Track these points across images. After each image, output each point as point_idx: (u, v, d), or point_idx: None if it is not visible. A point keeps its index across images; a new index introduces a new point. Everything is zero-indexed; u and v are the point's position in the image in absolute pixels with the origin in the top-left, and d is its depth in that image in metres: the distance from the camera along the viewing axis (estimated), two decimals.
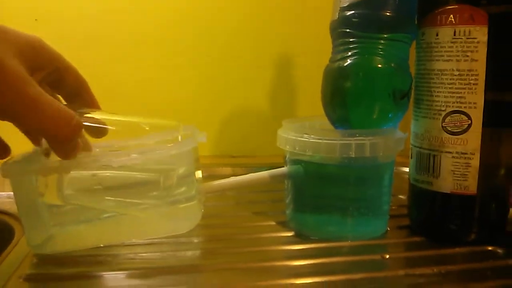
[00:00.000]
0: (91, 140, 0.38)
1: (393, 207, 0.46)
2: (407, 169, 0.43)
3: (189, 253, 0.38)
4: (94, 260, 0.36)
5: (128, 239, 0.38)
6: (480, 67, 0.35)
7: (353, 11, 0.38)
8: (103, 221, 0.39)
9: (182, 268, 0.35)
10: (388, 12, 0.38)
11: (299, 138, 0.39)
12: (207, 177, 0.45)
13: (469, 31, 0.35)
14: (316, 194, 0.41)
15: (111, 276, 0.34)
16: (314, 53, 0.43)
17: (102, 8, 0.66)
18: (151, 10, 0.68)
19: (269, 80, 0.72)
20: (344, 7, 0.38)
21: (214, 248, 0.39)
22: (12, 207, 0.47)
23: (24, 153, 0.37)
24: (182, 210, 0.39)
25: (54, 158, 0.34)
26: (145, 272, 0.34)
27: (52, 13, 0.65)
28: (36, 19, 0.65)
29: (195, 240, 0.40)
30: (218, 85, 0.71)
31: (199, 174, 0.40)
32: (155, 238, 0.39)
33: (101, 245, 0.37)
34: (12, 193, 0.43)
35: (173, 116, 0.66)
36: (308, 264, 0.36)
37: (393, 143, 0.38)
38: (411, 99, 0.40)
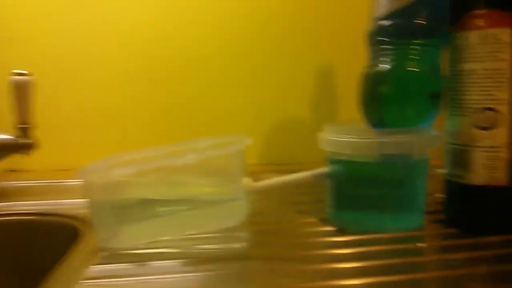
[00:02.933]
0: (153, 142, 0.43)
1: (430, 205, 0.48)
2: (442, 171, 0.46)
3: (239, 244, 0.42)
4: (156, 252, 0.40)
5: (184, 233, 0.42)
6: (507, 67, 0.38)
7: (388, 21, 0.42)
8: (161, 218, 0.43)
9: (233, 256, 0.39)
10: (421, 21, 0.41)
11: (338, 139, 0.42)
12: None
13: (496, 34, 0.38)
14: (355, 191, 0.44)
15: (171, 264, 0.37)
16: (351, 62, 0.46)
17: (158, 31, 0.72)
18: (200, 32, 0.73)
19: (311, 89, 0.75)
20: (379, 17, 0.42)
21: (261, 240, 0.43)
22: (76, 212, 0.52)
23: (94, 162, 0.42)
24: (232, 207, 0.42)
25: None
26: (201, 260, 0.38)
27: (115, 36, 0.71)
28: (98, 44, 0.71)
29: (244, 235, 0.44)
30: (263, 97, 0.75)
31: (247, 179, 0.44)
32: (209, 233, 0.43)
33: (161, 238, 0.41)
34: (76, 200, 0.49)
35: (223, 127, 0.72)
36: (348, 252, 0.39)
37: (427, 141, 0.41)
38: (444, 99, 0.43)
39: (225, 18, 0.73)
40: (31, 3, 0.70)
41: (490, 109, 0.39)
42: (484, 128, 0.39)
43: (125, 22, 0.72)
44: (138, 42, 0.72)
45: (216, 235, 0.43)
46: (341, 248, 0.40)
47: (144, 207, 0.43)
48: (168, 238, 0.42)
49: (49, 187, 0.64)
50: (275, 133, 0.75)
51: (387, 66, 0.42)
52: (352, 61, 0.47)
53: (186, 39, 0.73)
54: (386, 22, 0.42)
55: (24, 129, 0.57)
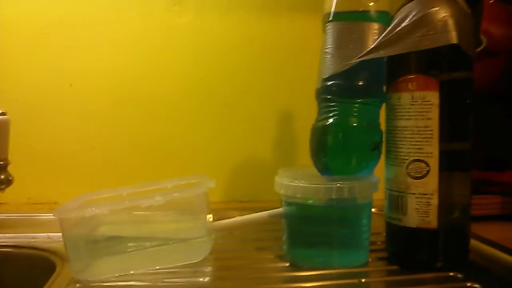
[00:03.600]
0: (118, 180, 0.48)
1: (378, 242, 0.54)
2: None
3: (201, 279, 0.46)
4: (126, 285, 0.44)
5: (152, 267, 0.46)
6: (434, 124, 0.44)
7: (332, 81, 0.48)
8: (130, 253, 0.47)
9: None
10: (360, 82, 0.47)
11: (291, 183, 0.47)
12: (218, 220, 0.53)
13: (424, 96, 0.45)
14: (306, 230, 0.49)
15: None
16: (310, 109, 0.52)
17: (127, 74, 0.77)
18: (168, 74, 0.79)
19: (273, 132, 0.81)
20: (325, 78, 0.48)
21: (222, 275, 0.48)
22: (52, 246, 0.56)
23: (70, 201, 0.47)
24: (195, 244, 0.47)
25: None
26: None
27: (86, 78, 0.76)
28: (71, 84, 0.76)
29: (207, 269, 0.48)
30: (227, 137, 0.80)
31: (209, 215, 0.49)
32: (175, 267, 0.47)
33: (131, 272, 0.45)
34: (51, 234, 0.53)
35: (190, 166, 0.76)
36: (297, 286, 0.44)
37: (368, 186, 0.47)
38: (384, 150, 0.49)
39: (191, 64, 0.79)
40: (3, 41, 0.75)
41: (420, 160, 0.45)
42: (416, 178, 0.45)
43: (96, 66, 0.77)
44: (108, 85, 0.77)
45: (182, 269, 0.47)
46: (293, 283, 0.45)
47: (115, 243, 0.47)
48: (137, 272, 0.46)
49: (24, 220, 0.68)
50: (238, 172, 0.80)
51: (331, 121, 0.48)
52: (311, 108, 0.53)
53: (153, 83, 0.79)
54: (330, 83, 0.48)
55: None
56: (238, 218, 0.51)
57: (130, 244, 0.47)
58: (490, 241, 0.54)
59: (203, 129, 0.80)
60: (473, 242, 0.52)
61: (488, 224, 0.65)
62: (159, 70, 0.78)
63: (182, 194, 0.46)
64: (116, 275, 0.45)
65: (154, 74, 0.78)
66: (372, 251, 0.51)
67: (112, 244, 0.47)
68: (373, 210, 0.53)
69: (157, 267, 0.46)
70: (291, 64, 0.81)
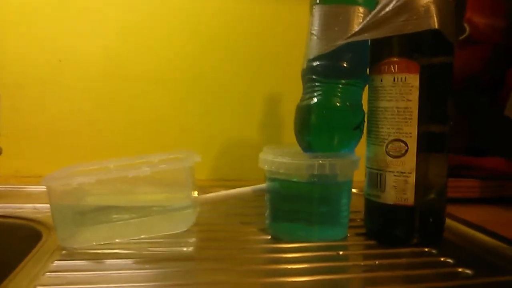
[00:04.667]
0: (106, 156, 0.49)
1: (358, 220, 0.56)
2: None
3: (185, 248, 0.48)
4: (111, 252, 0.45)
5: (136, 236, 0.48)
6: (414, 106, 0.46)
7: (317, 62, 0.49)
8: (116, 223, 0.49)
9: (179, 257, 0.45)
10: (345, 63, 0.49)
11: (274, 160, 0.49)
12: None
13: (405, 78, 0.46)
14: (288, 206, 0.50)
15: (124, 262, 0.43)
16: (299, 91, 0.54)
17: (116, 51, 0.78)
18: (158, 52, 0.80)
19: (260, 113, 0.83)
20: (311, 59, 0.50)
21: (205, 245, 0.49)
22: (38, 216, 0.57)
23: (57, 170, 0.48)
24: (180, 215, 0.48)
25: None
26: (149, 260, 0.44)
27: (75, 54, 0.77)
28: (60, 60, 0.76)
29: (191, 240, 0.50)
30: (215, 117, 0.82)
31: (195, 191, 0.51)
32: (159, 237, 0.49)
33: (116, 240, 0.47)
34: (37, 204, 0.54)
35: (179, 143, 0.78)
36: (279, 256, 0.46)
37: (348, 164, 0.49)
38: (365, 130, 0.51)
39: (182, 43, 0.80)
40: None
41: (400, 140, 0.47)
42: (394, 156, 0.47)
43: (85, 43, 0.78)
44: (97, 61, 0.78)
45: (166, 239, 0.48)
46: (274, 253, 0.47)
47: (101, 213, 0.49)
48: (122, 240, 0.47)
49: (11, 192, 0.69)
50: (225, 152, 0.82)
51: (315, 100, 0.49)
52: (298, 90, 0.54)
53: (143, 61, 0.79)
54: (315, 63, 0.50)
55: None
56: (223, 192, 0.52)
57: (115, 215, 0.49)
58: (466, 221, 0.56)
59: (191, 108, 0.81)
60: (450, 222, 0.54)
61: (466, 206, 0.68)
62: (149, 48, 0.79)
63: (168, 166, 0.47)
64: (102, 243, 0.47)
65: (144, 51, 0.79)
66: (351, 227, 0.53)
67: (98, 214, 0.48)
68: (354, 190, 0.55)
69: (142, 236, 0.48)
70: (279, 46, 0.82)
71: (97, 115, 0.78)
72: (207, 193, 0.64)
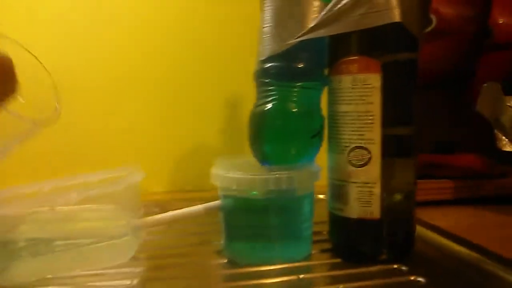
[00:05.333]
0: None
1: (324, 232, 0.51)
2: None
3: (129, 281, 0.42)
4: None
5: (74, 270, 0.42)
6: (376, 109, 0.41)
7: (269, 64, 0.44)
8: (50, 255, 0.43)
9: None
10: (300, 64, 0.44)
11: (226, 175, 0.44)
12: (163, 211, 0.49)
13: (365, 78, 0.42)
14: (245, 224, 0.45)
15: None
16: None
17: (57, 59, 0.72)
18: (106, 58, 0.73)
19: (220, 119, 0.77)
20: (263, 60, 0.45)
21: (154, 276, 0.44)
22: None
23: None
24: (119, 243, 0.43)
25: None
26: None
27: None
28: None
29: (137, 270, 0.44)
30: (174, 124, 0.76)
31: (138, 210, 0.45)
32: (101, 269, 0.43)
33: (50, 276, 0.41)
34: None
35: (131, 155, 0.72)
36: (236, 285, 0.41)
37: (308, 176, 0.44)
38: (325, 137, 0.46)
39: (133, 47, 0.74)
40: None
41: (362, 147, 0.42)
42: (357, 166, 0.42)
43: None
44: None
45: (108, 271, 0.43)
46: (230, 282, 0.42)
47: (33, 244, 0.43)
48: (56, 275, 0.42)
49: None
50: (185, 161, 0.76)
51: (269, 106, 0.44)
52: None
53: (89, 69, 0.73)
54: (267, 65, 0.44)
55: None
56: (170, 213, 0.47)
57: (49, 246, 0.43)
58: (438, 229, 0.52)
59: (147, 117, 0.75)
60: (421, 230, 0.50)
61: (438, 209, 0.64)
62: (96, 55, 0.73)
63: (100, 191, 0.41)
64: (36, 279, 0.41)
65: (90, 59, 0.73)
66: (316, 241, 0.49)
67: (30, 245, 0.43)
68: (321, 196, 0.50)
69: (79, 270, 0.42)
70: (240, 46, 0.76)
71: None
72: (166, 208, 0.58)
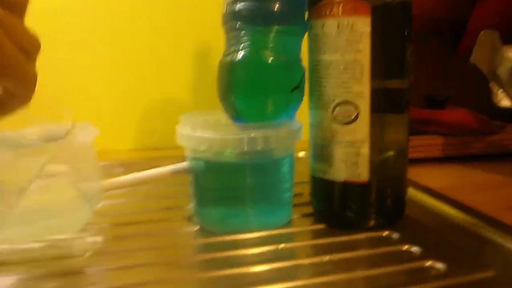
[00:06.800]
0: None
1: (305, 194, 0.47)
2: None
3: (86, 254, 0.37)
4: None
5: (21, 241, 0.37)
6: (365, 58, 0.36)
7: (240, 4, 0.38)
8: None
9: (76, 268, 0.34)
10: (276, 4, 0.38)
11: (194, 134, 0.38)
12: (127, 172, 0.44)
13: (353, 23, 0.36)
14: (216, 187, 0.41)
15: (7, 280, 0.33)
16: None
17: None
18: (67, 8, 0.66)
19: (189, 71, 0.71)
20: (232, 0, 0.38)
21: (113, 249, 0.38)
22: None
23: None
24: (71, 210, 0.38)
25: None
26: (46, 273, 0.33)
27: None
28: None
29: (96, 239, 0.39)
30: (137, 77, 0.70)
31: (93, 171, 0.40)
32: (55, 240, 0.38)
33: None
34: None
35: (94, 110, 0.66)
36: (206, 259, 0.36)
37: (286, 135, 0.39)
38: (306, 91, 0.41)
39: None
40: None
41: (348, 102, 0.37)
42: (343, 123, 0.37)
43: None
44: None
45: (65, 242, 0.38)
46: (203, 253, 0.38)
47: None
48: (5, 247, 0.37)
49: None
50: (151, 117, 0.71)
51: (241, 54, 0.38)
52: None
53: (50, 13, 0.66)
54: (238, 6, 0.38)
55: None
56: (133, 175, 0.42)
57: None
58: (430, 190, 0.48)
59: (108, 70, 0.69)
60: (412, 192, 0.45)
61: (428, 167, 0.60)
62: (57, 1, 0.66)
63: (44, 147, 0.35)
64: None
65: (51, 4, 0.66)
66: (297, 205, 0.44)
67: None
68: (300, 154, 0.45)
69: (32, 241, 0.37)
70: None
71: None
72: (130, 168, 0.53)
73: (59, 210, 0.36)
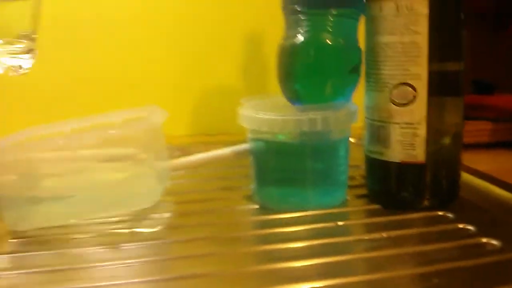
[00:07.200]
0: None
1: (357, 177, 0.48)
2: None
3: (153, 228, 0.40)
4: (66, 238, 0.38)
5: (94, 215, 0.40)
6: (423, 40, 0.37)
7: None
8: (72, 199, 0.40)
9: (147, 241, 0.37)
10: None
11: (256, 116, 0.40)
12: (185, 155, 0.46)
13: (411, 4, 0.37)
14: (277, 168, 0.42)
15: (81, 250, 0.36)
16: (282, 27, 0.44)
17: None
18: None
19: (241, 57, 0.73)
20: None
21: (179, 223, 0.41)
22: None
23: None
24: (143, 188, 0.40)
25: None
26: (115, 247, 0.36)
27: None
28: None
29: (163, 216, 0.42)
30: (190, 65, 0.72)
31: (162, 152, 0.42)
32: (125, 215, 0.41)
33: (72, 221, 0.39)
34: None
35: (150, 98, 0.69)
36: (268, 233, 0.38)
37: (344, 117, 0.40)
38: (363, 73, 0.42)
39: None
40: None
41: (406, 84, 0.38)
42: (400, 104, 0.38)
43: None
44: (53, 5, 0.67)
45: (134, 217, 0.41)
46: (263, 229, 0.39)
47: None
48: (80, 221, 0.40)
49: None
50: (204, 103, 0.73)
51: (301, 38, 0.40)
52: (282, 27, 0.45)
53: (102, 4, 0.69)
54: None
55: None
56: (197, 156, 0.44)
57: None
58: (482, 174, 0.48)
59: (164, 56, 0.71)
60: (463, 175, 0.46)
61: (477, 153, 0.60)
62: None
63: (121, 132, 0.38)
64: (55, 224, 0.39)
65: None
66: (350, 187, 0.46)
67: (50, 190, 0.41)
68: (351, 140, 0.47)
69: (101, 215, 0.40)
70: None
71: (54, 70, 0.68)
72: (187, 152, 0.55)
73: (136, 187, 0.39)
